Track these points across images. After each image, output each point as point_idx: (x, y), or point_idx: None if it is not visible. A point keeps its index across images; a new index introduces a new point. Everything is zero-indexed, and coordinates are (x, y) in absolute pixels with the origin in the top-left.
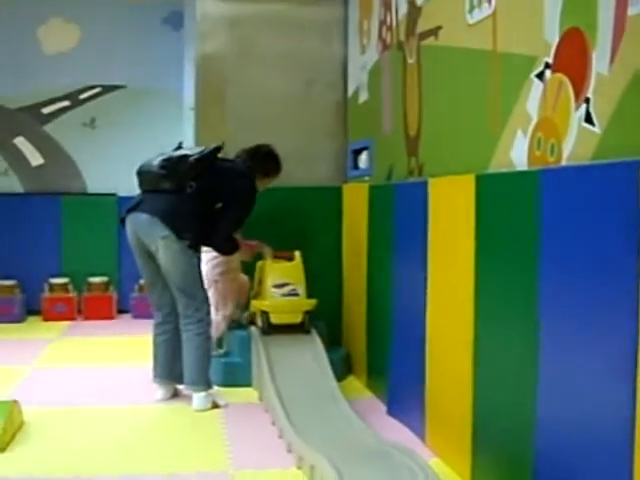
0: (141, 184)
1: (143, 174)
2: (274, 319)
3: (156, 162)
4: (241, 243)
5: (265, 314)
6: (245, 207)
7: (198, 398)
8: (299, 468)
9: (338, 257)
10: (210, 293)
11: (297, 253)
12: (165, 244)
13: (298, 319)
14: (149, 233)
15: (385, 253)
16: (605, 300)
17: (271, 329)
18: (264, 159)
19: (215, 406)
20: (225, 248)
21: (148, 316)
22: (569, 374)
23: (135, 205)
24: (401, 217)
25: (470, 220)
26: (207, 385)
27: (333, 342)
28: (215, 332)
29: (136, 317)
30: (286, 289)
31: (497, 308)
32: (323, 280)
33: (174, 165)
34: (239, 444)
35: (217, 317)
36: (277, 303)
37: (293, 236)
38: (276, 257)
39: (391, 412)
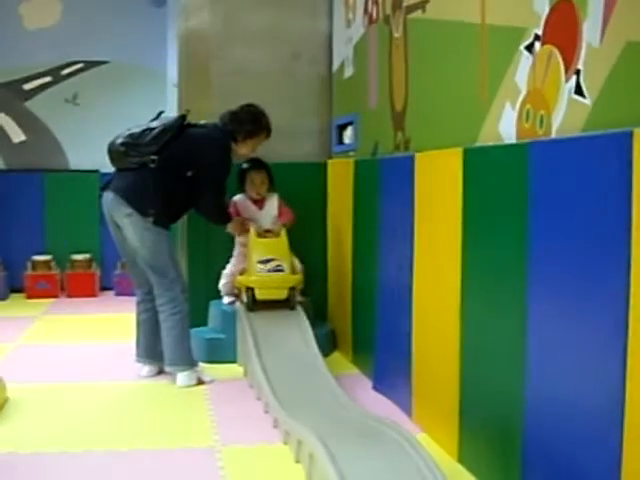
0: (111, 162)
1: (110, 152)
2: (259, 295)
3: (119, 140)
4: (234, 217)
5: (250, 290)
6: (218, 172)
7: (181, 376)
8: (286, 443)
9: (323, 233)
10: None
11: (282, 229)
12: (130, 222)
13: (283, 295)
14: (116, 212)
15: (371, 228)
16: (595, 272)
17: (256, 305)
18: (244, 120)
19: (200, 382)
20: (214, 217)
21: (131, 293)
22: (558, 348)
23: (106, 184)
24: (387, 192)
25: (457, 194)
26: (188, 364)
27: (318, 318)
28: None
29: (119, 294)
30: (271, 265)
31: (485, 283)
32: (308, 256)
33: (135, 140)
34: (225, 420)
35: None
36: (262, 279)
37: None
38: (262, 233)
39: (377, 387)
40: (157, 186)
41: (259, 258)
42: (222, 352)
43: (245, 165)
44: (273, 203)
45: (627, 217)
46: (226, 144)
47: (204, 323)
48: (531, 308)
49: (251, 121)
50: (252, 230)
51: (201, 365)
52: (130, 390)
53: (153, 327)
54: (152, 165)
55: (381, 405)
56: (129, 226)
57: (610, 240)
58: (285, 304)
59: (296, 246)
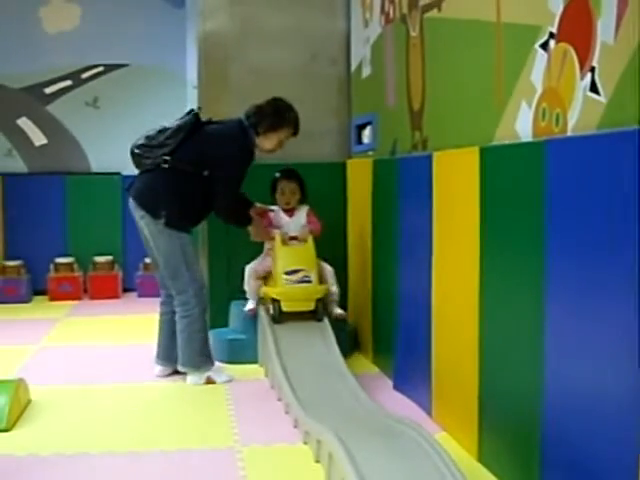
0: (133, 164)
1: (131, 155)
2: (285, 307)
3: (137, 143)
4: (256, 222)
5: (276, 302)
6: (232, 170)
7: (189, 376)
8: (306, 443)
9: (343, 233)
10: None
11: (309, 237)
12: (145, 224)
13: (311, 307)
14: (134, 214)
15: (390, 227)
16: (611, 269)
17: (282, 316)
18: (267, 113)
19: (210, 382)
20: (229, 218)
21: (153, 295)
22: (576, 346)
23: (130, 185)
24: (406, 191)
25: (475, 193)
26: (194, 366)
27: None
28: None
29: (141, 296)
30: (298, 276)
31: (503, 282)
32: (328, 256)
33: (150, 142)
34: (245, 420)
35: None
36: (289, 291)
37: None
38: (287, 240)
39: (397, 387)
40: (168, 187)
41: (285, 269)
42: (243, 352)
43: (277, 174)
44: (303, 213)
45: None
46: (243, 142)
47: (225, 323)
48: (549, 307)
49: (273, 114)
50: (277, 237)
51: (218, 365)
52: (151, 391)
53: (172, 329)
54: (165, 165)
55: (401, 405)
56: (144, 228)
57: (626, 238)
58: (312, 315)
59: (317, 246)
